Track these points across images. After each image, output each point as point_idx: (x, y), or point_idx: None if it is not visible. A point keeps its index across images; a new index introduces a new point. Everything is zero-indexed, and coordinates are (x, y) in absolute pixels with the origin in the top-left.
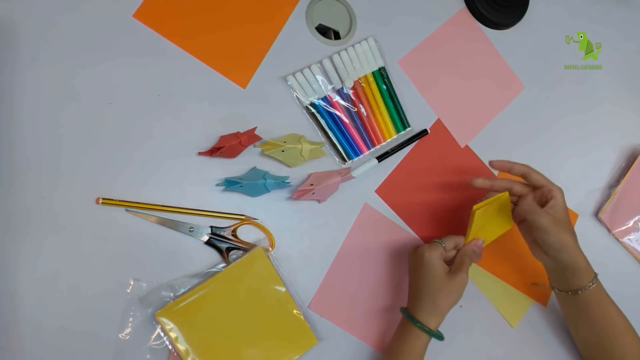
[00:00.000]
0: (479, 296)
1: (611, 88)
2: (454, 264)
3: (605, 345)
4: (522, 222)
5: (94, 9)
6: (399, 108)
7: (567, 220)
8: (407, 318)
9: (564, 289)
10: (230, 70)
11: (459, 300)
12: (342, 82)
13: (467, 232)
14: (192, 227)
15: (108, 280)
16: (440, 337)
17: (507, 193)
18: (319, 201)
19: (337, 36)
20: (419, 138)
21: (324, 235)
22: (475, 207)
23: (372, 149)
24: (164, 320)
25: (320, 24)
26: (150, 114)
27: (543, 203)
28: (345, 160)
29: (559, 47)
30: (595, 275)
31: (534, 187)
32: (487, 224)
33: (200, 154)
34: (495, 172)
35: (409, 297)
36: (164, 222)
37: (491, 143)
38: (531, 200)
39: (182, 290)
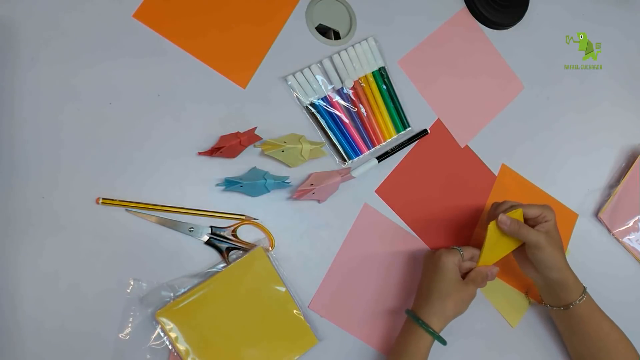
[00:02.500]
0: (479, 296)
1: (611, 88)
2: (468, 276)
3: (599, 359)
4: None
5: (94, 9)
6: (399, 108)
7: (559, 238)
8: (412, 319)
9: (555, 304)
10: (230, 70)
11: (464, 312)
12: (342, 82)
13: (482, 246)
14: (192, 227)
15: (108, 280)
16: (443, 341)
17: (521, 210)
18: (319, 201)
19: (337, 36)
20: (419, 138)
21: (324, 235)
22: (490, 223)
23: (372, 149)
24: (164, 320)
25: (320, 24)
26: (150, 114)
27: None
28: (345, 160)
29: (559, 47)
30: (584, 289)
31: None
32: (501, 239)
33: (200, 154)
34: (495, 172)
35: (416, 299)
36: (164, 222)
37: (491, 143)
38: (523, 223)
39: (182, 290)
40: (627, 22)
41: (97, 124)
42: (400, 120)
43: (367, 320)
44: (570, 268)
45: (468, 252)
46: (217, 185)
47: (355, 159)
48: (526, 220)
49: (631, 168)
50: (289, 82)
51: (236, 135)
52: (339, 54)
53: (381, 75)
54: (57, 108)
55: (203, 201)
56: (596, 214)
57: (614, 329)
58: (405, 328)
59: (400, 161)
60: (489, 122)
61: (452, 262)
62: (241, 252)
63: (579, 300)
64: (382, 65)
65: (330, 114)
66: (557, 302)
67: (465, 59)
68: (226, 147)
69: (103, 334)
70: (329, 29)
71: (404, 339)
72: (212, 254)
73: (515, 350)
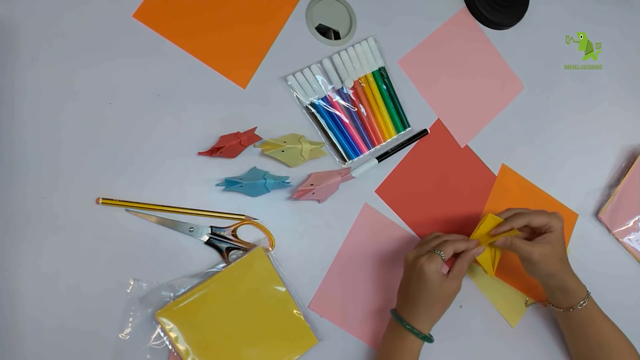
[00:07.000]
0: (479, 296)
1: (611, 88)
2: (451, 270)
3: None
4: None
5: (94, 9)
6: (399, 108)
7: (560, 249)
8: (408, 329)
9: (557, 305)
10: (230, 70)
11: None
12: (342, 82)
13: (473, 231)
14: (192, 227)
15: (108, 280)
16: (431, 340)
17: (515, 231)
18: (319, 201)
19: (337, 36)
20: (419, 138)
21: (324, 235)
22: (489, 214)
23: (372, 149)
24: (164, 320)
25: (320, 24)
26: (150, 114)
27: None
28: (345, 160)
29: (559, 47)
30: (588, 293)
31: (537, 228)
32: (490, 238)
33: (200, 154)
34: (495, 172)
35: (400, 300)
36: (164, 222)
37: (491, 143)
38: (515, 238)
39: (182, 290)
40: (627, 22)
41: (97, 124)
42: (400, 120)
43: (367, 320)
44: (571, 273)
45: (449, 249)
46: (217, 185)
47: (355, 159)
48: (532, 227)
49: (631, 168)
50: (289, 82)
51: (236, 135)
52: (339, 54)
53: (381, 75)
54: (57, 108)
55: (203, 201)
56: (596, 214)
57: (615, 332)
58: (392, 330)
59: (400, 161)
60: (489, 122)
61: (434, 270)
62: (241, 252)
63: (580, 305)
64: (382, 65)
65: (330, 114)
66: (559, 304)
67: (465, 59)
68: (226, 147)
69: (103, 334)
70: (329, 29)
71: (396, 345)
72: (212, 254)
73: (515, 350)
